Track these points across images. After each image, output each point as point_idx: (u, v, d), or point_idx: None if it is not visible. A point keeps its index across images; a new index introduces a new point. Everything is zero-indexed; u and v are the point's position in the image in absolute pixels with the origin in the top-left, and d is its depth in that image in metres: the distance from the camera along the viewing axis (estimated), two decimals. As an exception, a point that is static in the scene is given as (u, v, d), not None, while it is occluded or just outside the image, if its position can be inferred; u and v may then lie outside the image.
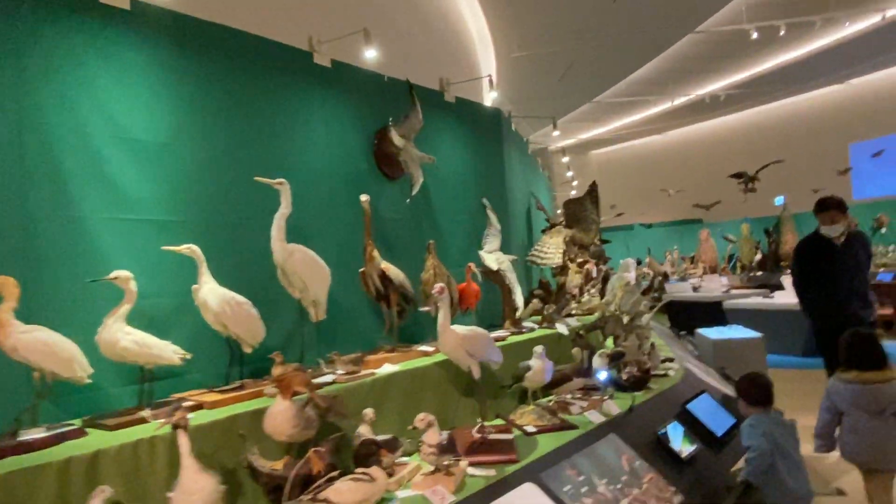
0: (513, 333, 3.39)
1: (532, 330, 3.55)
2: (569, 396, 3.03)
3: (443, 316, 2.28)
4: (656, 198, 19.66)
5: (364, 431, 2.03)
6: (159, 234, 2.19)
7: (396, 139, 3.00)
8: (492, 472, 2.11)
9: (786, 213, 13.83)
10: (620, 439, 2.60)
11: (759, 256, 14.78)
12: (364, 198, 2.62)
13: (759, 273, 13.78)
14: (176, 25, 2.31)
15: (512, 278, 3.48)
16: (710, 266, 15.05)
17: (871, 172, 16.80)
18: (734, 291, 10.70)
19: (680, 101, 16.91)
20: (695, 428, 3.01)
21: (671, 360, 4.03)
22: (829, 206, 4.24)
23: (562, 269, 4.54)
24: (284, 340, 2.55)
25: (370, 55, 2.93)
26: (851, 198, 16.52)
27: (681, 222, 19.69)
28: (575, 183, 21.72)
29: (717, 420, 3.10)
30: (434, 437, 1.96)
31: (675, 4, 10.81)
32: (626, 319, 3.63)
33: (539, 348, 2.68)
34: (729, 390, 4.06)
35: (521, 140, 4.95)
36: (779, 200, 16.26)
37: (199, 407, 1.95)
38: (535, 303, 3.79)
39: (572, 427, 2.59)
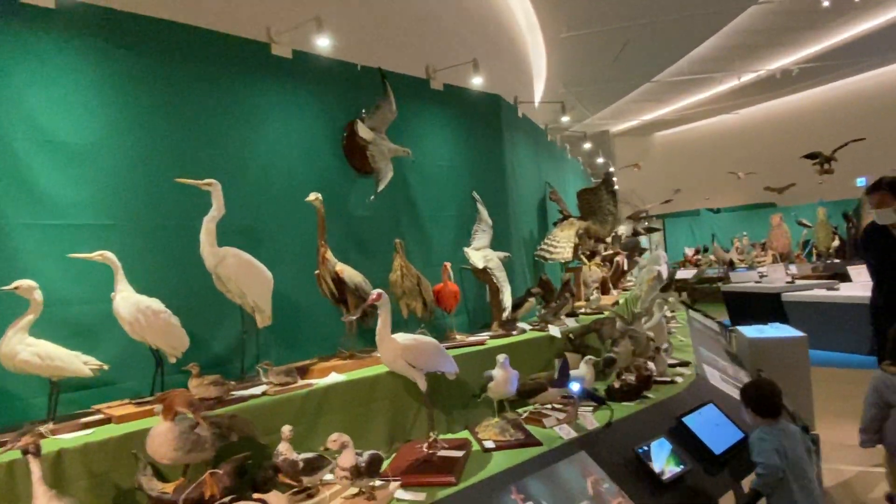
0: (498, 336, 3.18)
1: (523, 332, 3.32)
2: (549, 407, 2.81)
3: (381, 324, 2.11)
4: (725, 181, 18.64)
5: (284, 450, 1.90)
6: (88, 239, 2.13)
7: (363, 132, 2.84)
8: (422, 496, 1.94)
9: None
10: (591, 458, 2.36)
11: (836, 243, 13.78)
12: (313, 196, 2.48)
13: (837, 261, 12.82)
14: (105, 22, 2.23)
15: (501, 277, 3.26)
16: (783, 253, 14.17)
17: (966, 149, 15.26)
18: (799, 282, 9.94)
19: (748, 77, 15.87)
20: (688, 445, 2.71)
21: (686, 363, 3.70)
22: (879, 187, 3.78)
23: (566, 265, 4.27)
24: (233, 347, 2.46)
25: (322, 43, 2.77)
26: (943, 177, 15.01)
27: (752, 206, 18.55)
28: (636, 167, 20.87)
29: (719, 435, 2.79)
30: (349, 458, 1.81)
31: (736, -26, 10.09)
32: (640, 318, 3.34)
33: (501, 357, 2.47)
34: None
35: (535, 126, 4.67)
36: (861, 182, 15.02)
37: (107, 421, 1.88)
38: (532, 302, 3.55)
39: (536, 443, 2.38)
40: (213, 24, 2.55)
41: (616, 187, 4.63)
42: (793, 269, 11.20)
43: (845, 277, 9.78)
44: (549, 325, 3.28)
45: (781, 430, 2.50)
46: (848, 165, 15.11)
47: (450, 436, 2.57)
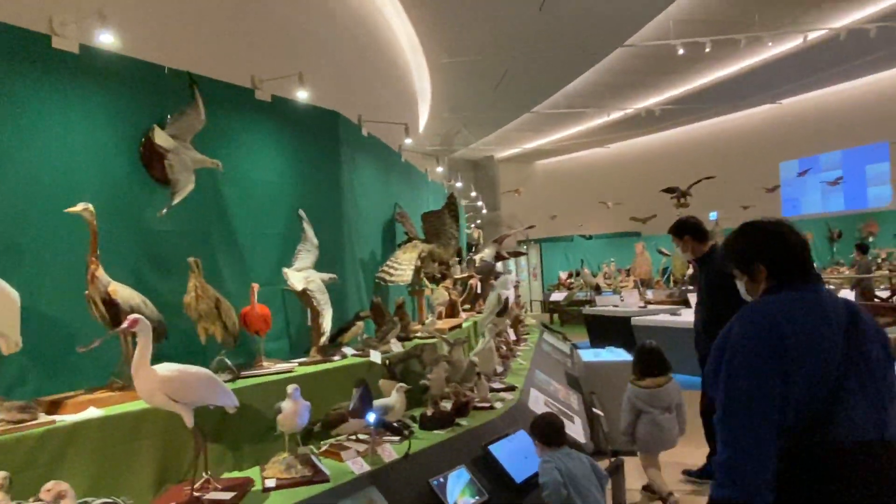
0: (314, 362, 3.04)
1: (344, 357, 3.20)
2: (354, 439, 2.69)
3: (138, 353, 1.90)
4: (597, 209, 19.71)
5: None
6: None
7: (161, 139, 2.61)
8: (164, 548, 1.74)
9: (717, 229, 13.94)
10: (379, 493, 2.26)
11: (691, 270, 14.85)
12: (80, 206, 2.22)
13: (691, 287, 13.80)
14: None
15: (322, 299, 3.12)
16: (644, 279, 15.06)
17: (800, 189, 17.11)
18: (651, 307, 10.60)
19: (616, 115, 16.95)
20: (492, 474, 2.70)
21: (512, 388, 3.73)
22: (682, 232, 4.07)
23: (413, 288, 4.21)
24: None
25: (106, 39, 2.52)
26: (780, 214, 16.77)
27: (620, 234, 19.73)
28: (517, 192, 21.52)
29: (524, 463, 2.79)
30: (65, 510, 1.58)
31: (603, 17, 10.73)
32: (459, 344, 3.30)
33: (290, 387, 2.32)
34: (577, 422, 3.79)
35: (386, 147, 4.60)
36: (713, 216, 16.38)
37: None
38: (360, 326, 3.43)
39: (322, 480, 2.24)
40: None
41: (461, 210, 4.64)
42: (650, 294, 11.99)
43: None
44: (371, 351, 3.17)
45: (566, 454, 2.58)
46: (703, 199, 16.45)
47: (235, 474, 2.38)
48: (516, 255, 10.43)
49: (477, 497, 2.46)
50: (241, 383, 2.60)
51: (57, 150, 2.42)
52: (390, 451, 2.51)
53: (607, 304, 11.22)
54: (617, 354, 5.30)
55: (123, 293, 2.29)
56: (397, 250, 4.33)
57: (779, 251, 1.91)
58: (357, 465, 2.34)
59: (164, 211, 2.56)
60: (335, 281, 3.33)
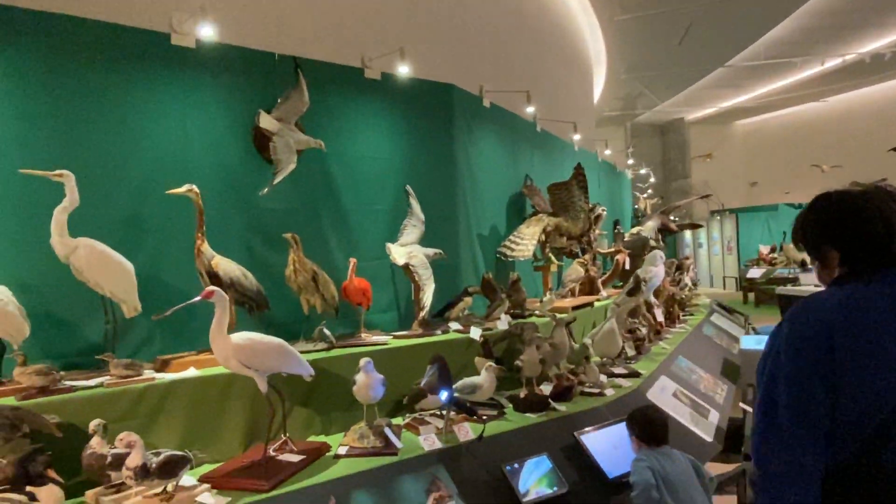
0: (414, 336, 3.08)
1: (446, 333, 3.19)
2: (438, 414, 2.68)
3: (215, 322, 2.07)
4: (808, 174, 17.26)
5: (95, 445, 1.91)
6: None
7: (266, 122, 2.80)
8: (224, 501, 1.89)
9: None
10: (446, 472, 2.23)
11: None
12: (185, 188, 2.46)
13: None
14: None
15: (424, 274, 3.14)
16: None
17: None
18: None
19: (833, 62, 14.54)
20: (582, 465, 2.52)
21: (636, 374, 3.43)
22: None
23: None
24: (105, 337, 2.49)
25: (207, 32, 2.72)
26: None
27: (838, 203, 17.03)
28: (708, 157, 19.68)
29: (620, 458, 2.56)
30: (136, 458, 1.79)
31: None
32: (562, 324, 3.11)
33: (364, 361, 2.37)
34: (714, 417, 3.40)
35: (514, 117, 4.44)
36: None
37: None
38: (468, 301, 3.40)
39: (391, 453, 2.27)
40: (112, 17, 2.57)
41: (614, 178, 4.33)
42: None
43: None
44: (472, 328, 3.12)
45: (663, 454, 2.30)
46: (947, 161, 13.58)
47: (322, 437, 2.52)
48: (689, 227, 9.52)
49: (556, 488, 2.31)
50: (335, 352, 2.73)
51: (177, 136, 2.71)
52: (468, 430, 2.46)
53: (810, 284, 9.73)
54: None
55: (225, 266, 2.51)
56: (522, 224, 4.19)
57: (851, 231, 1.51)
58: (428, 442, 2.33)
59: (266, 190, 2.74)
60: (442, 256, 3.33)
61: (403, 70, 3.33)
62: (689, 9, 11.33)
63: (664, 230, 7.70)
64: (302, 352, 2.69)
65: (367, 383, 2.35)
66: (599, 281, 4.97)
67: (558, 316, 3.23)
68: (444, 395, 2.39)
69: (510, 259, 3.98)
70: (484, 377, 2.72)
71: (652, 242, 6.18)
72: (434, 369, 2.46)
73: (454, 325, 3.27)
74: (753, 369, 4.31)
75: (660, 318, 4.90)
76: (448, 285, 3.53)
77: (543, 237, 4.10)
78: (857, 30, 12.78)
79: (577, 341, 3.83)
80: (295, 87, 2.90)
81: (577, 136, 5.84)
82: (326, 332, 2.80)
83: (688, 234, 21.46)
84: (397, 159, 3.46)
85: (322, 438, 2.51)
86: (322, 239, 3.13)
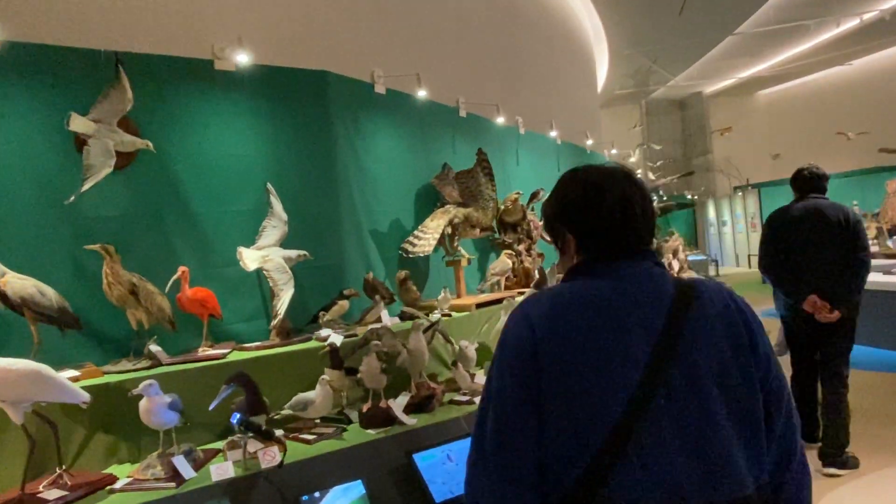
0: (266, 347, 2.84)
1: (308, 341, 2.95)
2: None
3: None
4: (834, 143, 16.35)
5: None
6: None
7: (80, 125, 2.59)
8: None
9: None
10: (229, 506, 2.00)
11: None
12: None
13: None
14: None
15: (280, 279, 2.90)
16: None
17: None
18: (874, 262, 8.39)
19: (851, 23, 13.62)
20: (408, 489, 2.25)
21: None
22: None
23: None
24: None
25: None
26: None
27: (866, 171, 16.10)
28: (725, 132, 18.82)
29: (456, 479, 2.28)
30: None
31: None
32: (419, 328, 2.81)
33: (144, 384, 2.14)
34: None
35: (417, 102, 4.11)
36: None
37: None
38: (343, 305, 3.15)
39: (167, 486, 2.05)
40: None
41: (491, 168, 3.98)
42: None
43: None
44: (332, 334, 2.87)
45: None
46: None
47: (125, 466, 2.31)
48: (677, 207, 8.99)
49: (359, 519, 2.05)
50: (161, 370, 2.52)
51: None
52: (276, 455, 2.21)
53: None
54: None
55: (15, 284, 2.32)
56: (427, 218, 3.89)
57: (586, 213, 1.25)
58: (219, 472, 2.09)
59: (73, 198, 2.54)
60: (307, 258, 3.08)
61: (245, 57, 3.07)
62: (682, -26, 10.75)
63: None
64: (122, 371, 2.51)
65: (149, 408, 2.13)
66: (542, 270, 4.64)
67: (416, 319, 2.94)
68: (234, 417, 2.15)
69: (411, 256, 3.69)
70: (318, 391, 2.47)
71: (711, 218, 5.78)
72: (229, 389, 2.22)
73: (324, 332, 3.02)
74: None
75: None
76: (332, 289, 3.28)
77: (450, 230, 3.80)
78: (872, -16, 11.91)
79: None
80: (115, 85, 2.69)
81: (519, 119, 5.48)
82: (154, 348, 2.60)
83: (711, 211, 20.63)
84: (261, 156, 3.22)
85: (127, 467, 2.30)
86: (168, 247, 2.91)
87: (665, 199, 14.56)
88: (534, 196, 5.03)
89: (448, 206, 3.89)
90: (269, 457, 2.19)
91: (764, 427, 1.16)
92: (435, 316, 3.34)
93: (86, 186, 2.57)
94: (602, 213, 1.22)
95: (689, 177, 9.88)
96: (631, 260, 1.23)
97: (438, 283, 4.03)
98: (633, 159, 13.49)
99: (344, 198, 3.49)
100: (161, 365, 2.57)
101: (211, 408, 2.17)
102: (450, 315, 3.50)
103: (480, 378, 2.97)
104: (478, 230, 3.91)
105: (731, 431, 1.11)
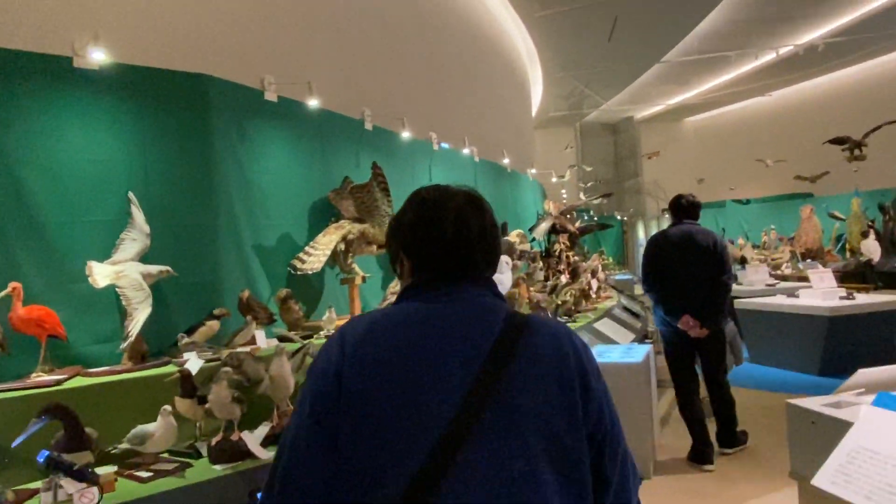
0: (115, 373, 2.58)
1: (166, 365, 2.71)
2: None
3: None
4: (753, 169, 17.09)
5: None
6: None
7: None
8: None
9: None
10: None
11: (872, 238, 12.34)
12: None
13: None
14: None
15: (135, 297, 2.65)
16: (811, 249, 12.84)
17: None
18: (781, 285, 8.70)
19: (767, 57, 14.31)
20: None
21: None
22: None
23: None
24: None
25: None
26: None
27: (783, 197, 16.88)
28: (652, 156, 19.41)
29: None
30: None
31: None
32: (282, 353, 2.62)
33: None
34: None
35: (316, 113, 3.93)
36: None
37: None
38: (213, 326, 2.92)
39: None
40: None
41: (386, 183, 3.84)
42: (807, 269, 9.83)
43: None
44: (191, 357, 2.64)
45: None
46: (885, 152, 13.43)
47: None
48: (598, 227, 9.11)
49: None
50: (-21, 400, 2.23)
51: None
52: (95, 496, 1.96)
53: (755, 281, 9.18)
54: (633, 352, 4.17)
55: None
56: (321, 234, 3.71)
57: (418, 235, 1.18)
58: (22, 517, 1.84)
59: None
60: (170, 274, 2.84)
61: (102, 55, 2.83)
62: (611, 2, 11.02)
63: (562, 231, 7.30)
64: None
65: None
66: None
67: (279, 343, 2.75)
68: (41, 455, 1.90)
69: (300, 273, 3.49)
70: (158, 423, 2.24)
71: (524, 246, 5.73)
72: (40, 423, 1.96)
73: (187, 356, 2.78)
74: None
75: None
76: (206, 307, 3.04)
77: (343, 246, 3.63)
78: (786, 22, 12.56)
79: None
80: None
81: (431, 135, 5.37)
82: (-25, 374, 2.31)
83: (641, 232, 21.22)
84: (125, 163, 2.96)
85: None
86: (9, 262, 2.62)
87: (594, 219, 14.84)
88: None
89: (342, 221, 3.72)
90: (87, 499, 1.94)
91: (590, 477, 1.05)
92: (318, 338, 3.15)
93: None
94: (433, 235, 1.13)
95: (608, 197, 10.02)
96: (461, 287, 1.13)
97: (333, 302, 3.84)
98: (565, 179, 13.70)
99: (223, 210, 3.27)
100: (-21, 393, 2.28)
101: (14, 445, 1.91)
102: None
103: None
104: (374, 247, 3.75)
105: (553, 482, 0.99)
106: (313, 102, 3.69)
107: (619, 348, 4.40)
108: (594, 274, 7.70)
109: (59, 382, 2.40)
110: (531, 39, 12.91)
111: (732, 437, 4.31)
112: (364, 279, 3.77)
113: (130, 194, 2.88)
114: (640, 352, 4.11)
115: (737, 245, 13.24)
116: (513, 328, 1.07)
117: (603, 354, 4.13)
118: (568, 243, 7.87)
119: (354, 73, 4.61)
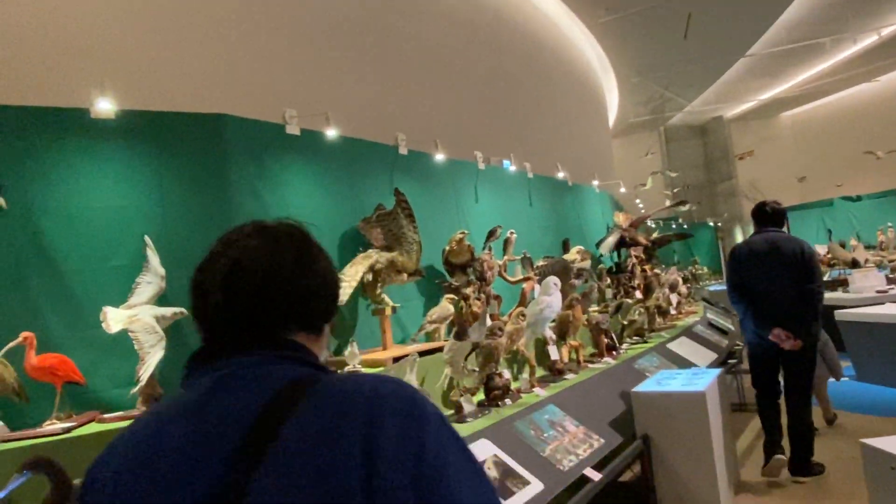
0: (128, 418, 2.58)
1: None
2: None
3: None
4: (862, 163, 15.59)
5: None
6: None
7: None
8: None
9: None
10: None
11: None
12: None
13: None
14: None
15: (147, 341, 2.65)
16: None
17: None
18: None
19: (869, 40, 13.07)
20: None
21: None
22: None
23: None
24: None
25: None
26: None
27: (898, 191, 15.21)
28: (745, 156, 18.19)
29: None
30: None
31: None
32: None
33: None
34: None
35: (341, 142, 3.86)
36: None
37: None
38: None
39: None
40: None
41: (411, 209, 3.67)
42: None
43: None
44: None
45: None
46: None
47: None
48: (676, 238, 8.49)
49: None
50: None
51: None
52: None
53: (866, 288, 8.22)
54: (697, 380, 3.72)
55: None
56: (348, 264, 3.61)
57: (192, 287, 1.00)
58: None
59: None
60: (183, 315, 2.83)
61: (108, 105, 2.88)
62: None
63: (633, 244, 6.86)
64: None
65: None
66: (493, 316, 4.30)
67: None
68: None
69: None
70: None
71: (583, 264, 5.38)
72: (22, 478, 1.94)
73: (203, 397, 2.74)
74: (652, 416, 3.49)
75: (554, 356, 4.16)
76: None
77: (370, 276, 3.51)
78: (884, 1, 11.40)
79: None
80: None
81: (478, 154, 5.20)
82: (-4, 425, 2.37)
83: (738, 237, 19.85)
84: (142, 207, 3.01)
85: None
86: (32, 309, 2.70)
87: (683, 227, 13.99)
88: (491, 234, 4.71)
89: (370, 250, 3.61)
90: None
91: None
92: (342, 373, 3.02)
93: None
94: (203, 288, 0.94)
95: (683, 205, 9.36)
96: (229, 361, 0.89)
97: (367, 334, 3.73)
98: (647, 187, 13.06)
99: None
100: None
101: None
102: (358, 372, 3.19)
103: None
104: (405, 276, 3.60)
105: None
106: (331, 132, 3.62)
107: (685, 374, 3.96)
108: (673, 288, 7.16)
109: (68, 430, 2.42)
110: (600, 46, 12.48)
111: (805, 466, 4.03)
112: (395, 309, 3.62)
113: (146, 237, 2.91)
114: (707, 379, 3.66)
115: (848, 247, 11.96)
116: (277, 407, 0.80)
117: (661, 382, 3.72)
118: (642, 256, 7.39)
119: (384, 98, 4.55)
